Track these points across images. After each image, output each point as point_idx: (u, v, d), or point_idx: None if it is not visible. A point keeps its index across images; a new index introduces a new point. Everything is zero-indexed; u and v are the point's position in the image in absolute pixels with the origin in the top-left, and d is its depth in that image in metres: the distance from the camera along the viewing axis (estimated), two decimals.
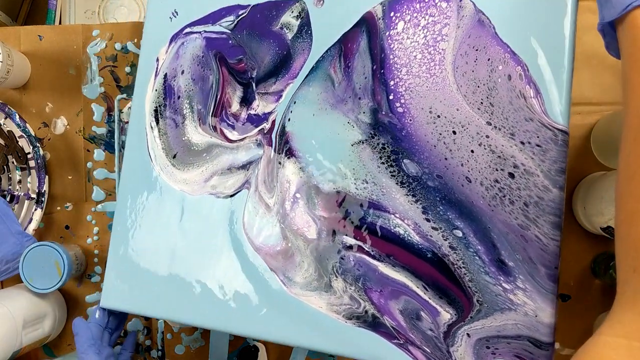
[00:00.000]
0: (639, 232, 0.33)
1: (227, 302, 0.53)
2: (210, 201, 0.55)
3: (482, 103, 0.48)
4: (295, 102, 0.54)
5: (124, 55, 0.71)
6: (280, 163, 0.53)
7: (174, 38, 0.59)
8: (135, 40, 0.71)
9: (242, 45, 0.56)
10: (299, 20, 0.54)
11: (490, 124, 0.48)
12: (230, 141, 0.56)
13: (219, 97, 0.56)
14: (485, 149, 0.48)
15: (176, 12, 0.59)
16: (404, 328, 0.48)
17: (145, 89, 0.59)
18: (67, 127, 0.72)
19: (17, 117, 0.69)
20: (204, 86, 0.57)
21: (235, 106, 0.56)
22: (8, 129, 0.70)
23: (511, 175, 0.47)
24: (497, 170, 0.47)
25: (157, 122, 0.58)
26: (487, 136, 0.48)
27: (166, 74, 0.59)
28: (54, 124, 0.72)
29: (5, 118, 0.70)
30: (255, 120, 0.55)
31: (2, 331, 0.58)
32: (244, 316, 0.52)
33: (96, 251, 0.70)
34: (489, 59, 0.48)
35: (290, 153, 0.53)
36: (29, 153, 0.69)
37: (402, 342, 0.48)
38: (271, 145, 0.54)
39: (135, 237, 0.57)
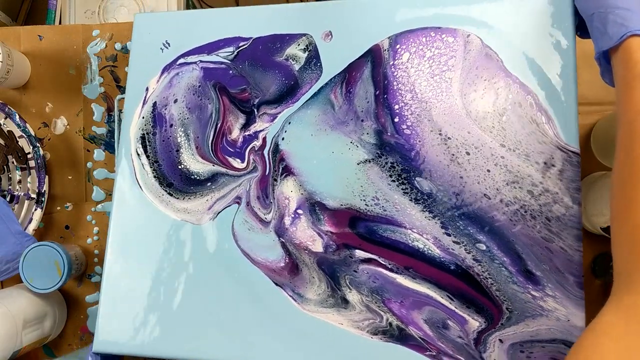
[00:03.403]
0: (631, 222, 0.36)
1: (233, 328, 0.51)
2: (209, 226, 0.55)
3: (493, 127, 0.49)
4: (289, 123, 0.54)
5: (124, 55, 0.71)
6: (275, 180, 0.54)
7: (166, 68, 0.59)
8: None
9: (244, 75, 0.56)
10: (307, 52, 0.55)
11: (504, 146, 0.49)
12: (237, 169, 0.55)
13: (219, 125, 0.56)
14: (501, 168, 0.49)
15: (168, 43, 0.59)
16: (432, 337, 0.48)
17: (131, 116, 0.59)
18: (67, 127, 0.72)
19: (17, 117, 0.69)
20: (201, 115, 0.57)
21: (235, 132, 0.56)
22: (8, 129, 0.70)
23: (530, 192, 0.48)
24: (515, 188, 0.48)
25: (145, 150, 0.57)
26: (502, 157, 0.49)
27: (155, 102, 0.58)
28: (54, 124, 0.72)
29: (5, 118, 0.70)
30: (248, 139, 0.55)
31: (2, 331, 0.58)
32: (255, 342, 0.51)
33: (96, 251, 0.70)
34: (497, 88, 0.50)
35: (287, 171, 0.53)
36: (29, 153, 0.69)
37: (434, 353, 0.48)
38: (265, 163, 0.54)
39: (128, 275, 0.55)
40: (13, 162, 0.70)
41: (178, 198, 0.56)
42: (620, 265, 0.37)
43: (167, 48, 0.59)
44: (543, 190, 0.48)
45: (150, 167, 0.57)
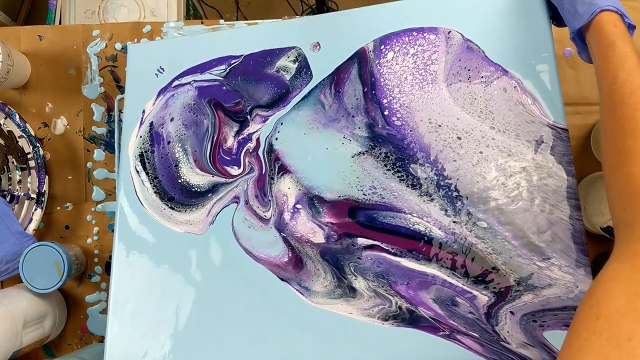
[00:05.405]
0: (625, 172, 0.38)
1: (243, 327, 0.52)
2: (210, 232, 0.55)
3: (481, 112, 0.51)
4: (282, 124, 0.55)
5: (124, 55, 0.71)
6: (272, 179, 0.55)
7: (162, 91, 0.60)
8: (135, 40, 0.71)
9: (237, 89, 0.58)
10: (296, 63, 0.56)
11: (494, 129, 0.50)
12: (235, 177, 0.56)
13: (215, 137, 0.57)
14: (493, 149, 0.50)
15: (162, 69, 0.60)
16: (443, 316, 0.48)
17: (128, 137, 0.60)
18: (67, 127, 0.72)
19: (17, 117, 0.69)
20: (197, 130, 0.58)
21: (230, 140, 0.57)
22: (8, 129, 0.70)
23: (524, 169, 0.49)
24: (510, 166, 0.49)
25: (145, 167, 0.59)
26: (493, 138, 0.50)
27: (152, 122, 0.60)
28: (54, 124, 0.72)
29: (5, 118, 0.70)
30: (242, 143, 0.57)
31: (2, 331, 0.58)
32: (266, 339, 0.51)
33: (96, 251, 0.70)
34: (482, 76, 0.51)
35: (283, 169, 0.54)
36: (29, 153, 0.69)
37: (447, 332, 0.48)
38: (260, 163, 0.55)
39: (135, 295, 0.55)
40: (13, 162, 0.70)
41: (180, 211, 0.57)
42: (618, 217, 0.38)
43: (161, 73, 0.60)
44: (537, 166, 0.49)
45: (150, 184, 0.58)
